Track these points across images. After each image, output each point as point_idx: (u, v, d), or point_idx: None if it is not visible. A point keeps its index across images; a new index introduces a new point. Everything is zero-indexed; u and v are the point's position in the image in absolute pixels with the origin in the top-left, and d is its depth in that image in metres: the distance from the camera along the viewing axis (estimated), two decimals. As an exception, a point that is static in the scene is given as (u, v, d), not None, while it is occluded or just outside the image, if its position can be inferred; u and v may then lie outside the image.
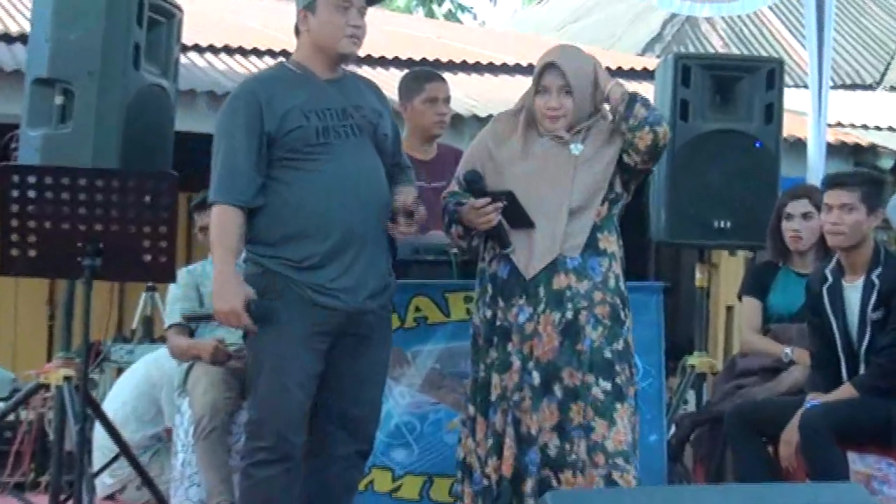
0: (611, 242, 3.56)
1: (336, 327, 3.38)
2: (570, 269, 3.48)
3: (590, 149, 3.55)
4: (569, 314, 3.46)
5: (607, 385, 3.45)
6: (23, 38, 6.96)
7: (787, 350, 4.40)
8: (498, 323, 3.52)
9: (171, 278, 3.98)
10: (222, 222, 3.32)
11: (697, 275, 5.28)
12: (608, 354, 3.46)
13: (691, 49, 13.06)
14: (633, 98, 3.53)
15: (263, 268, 3.36)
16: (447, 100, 4.60)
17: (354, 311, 3.39)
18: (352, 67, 3.64)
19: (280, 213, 3.35)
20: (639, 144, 3.48)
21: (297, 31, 3.50)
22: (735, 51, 12.93)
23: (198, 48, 8.77)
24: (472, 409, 3.59)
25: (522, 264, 3.49)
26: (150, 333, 6.87)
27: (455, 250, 4.09)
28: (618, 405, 3.44)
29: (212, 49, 8.87)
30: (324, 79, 3.46)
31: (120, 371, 6.74)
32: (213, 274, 3.34)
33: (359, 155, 3.41)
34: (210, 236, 3.36)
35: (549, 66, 3.58)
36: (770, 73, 5.01)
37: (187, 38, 7.92)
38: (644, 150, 3.49)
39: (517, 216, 3.47)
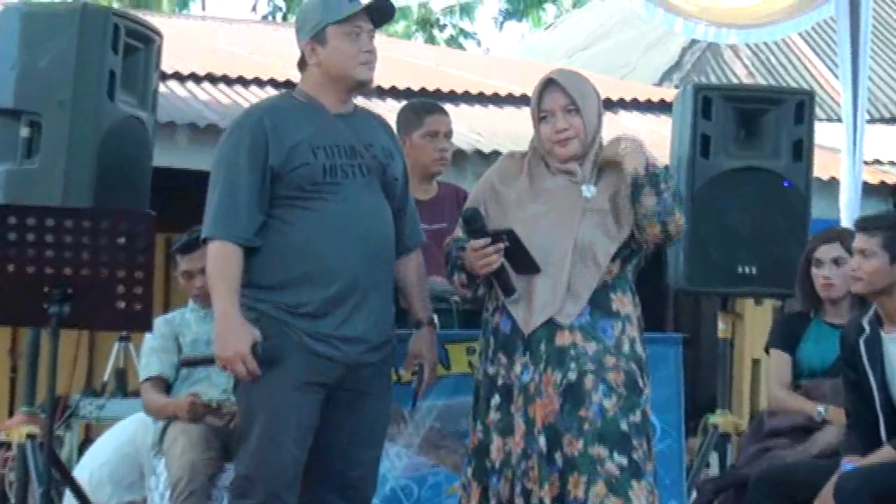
0: (625, 303, 3.52)
1: (333, 380, 3.38)
2: (575, 327, 3.45)
3: (602, 196, 3.51)
4: (571, 375, 3.42)
5: (623, 460, 3.39)
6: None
7: (820, 408, 4.37)
8: (500, 381, 3.50)
9: (148, 327, 3.97)
10: (223, 259, 3.32)
11: (720, 325, 5.26)
12: (624, 427, 3.41)
13: (713, 79, 13.11)
14: (640, 185, 3.44)
15: (258, 312, 3.36)
16: (449, 134, 4.61)
17: (353, 363, 3.39)
18: (359, 100, 3.67)
19: (280, 255, 3.36)
20: (647, 233, 3.47)
21: (302, 64, 3.52)
22: (761, 81, 12.99)
23: (178, 76, 8.81)
24: (469, 472, 3.56)
25: (521, 319, 3.47)
26: (124, 387, 6.84)
27: (456, 298, 4.08)
28: (634, 483, 3.38)
29: (194, 77, 8.91)
30: (333, 112, 3.47)
31: (89, 428, 6.71)
32: (216, 316, 3.33)
33: (366, 197, 3.43)
34: (208, 275, 3.36)
35: (547, 86, 3.55)
36: (799, 106, 5.02)
37: (167, 65, 7.95)
38: (652, 240, 3.49)
39: (521, 260, 3.45)
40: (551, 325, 3.44)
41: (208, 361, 3.71)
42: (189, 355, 4.31)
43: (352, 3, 3.47)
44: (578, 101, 3.53)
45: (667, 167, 3.59)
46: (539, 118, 3.57)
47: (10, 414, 4.93)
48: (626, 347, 3.48)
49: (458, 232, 3.64)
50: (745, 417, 7.19)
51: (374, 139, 3.53)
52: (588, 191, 3.52)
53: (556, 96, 3.54)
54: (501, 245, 3.42)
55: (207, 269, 3.36)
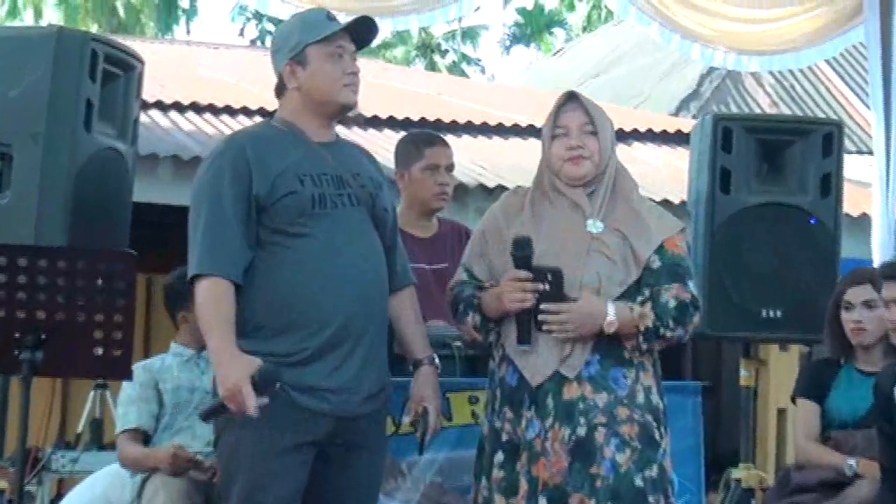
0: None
1: (323, 435, 3.36)
2: (583, 378, 3.43)
3: (613, 237, 3.49)
4: (581, 430, 3.39)
5: None
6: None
7: (852, 461, 4.36)
8: (505, 437, 3.47)
9: (127, 375, 3.95)
10: (215, 297, 3.30)
11: (743, 373, 5.25)
12: (639, 482, 3.38)
13: (733, 108, 13.16)
14: (649, 338, 3.46)
15: None
16: (450, 167, 4.63)
17: (346, 415, 3.37)
18: (339, 130, 3.68)
19: (264, 299, 3.34)
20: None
21: (281, 89, 3.53)
22: (786, 111, 13.04)
23: (161, 105, 8.85)
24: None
25: (528, 370, 3.45)
26: (99, 438, 6.81)
27: (458, 343, 4.07)
28: (651, 544, 3.38)
29: (177, 106, 8.95)
30: (316, 141, 3.48)
31: (62, 483, 6.67)
32: (212, 354, 3.30)
33: (358, 230, 3.43)
34: (200, 317, 3.32)
35: (566, 102, 3.56)
36: (827, 137, 5.03)
37: (148, 93, 7.99)
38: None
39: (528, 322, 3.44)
40: (559, 377, 3.42)
41: (220, 407, 3.55)
42: (207, 406, 4.15)
43: (332, 22, 3.49)
44: (597, 122, 3.54)
45: (684, 303, 3.51)
46: (552, 136, 3.58)
47: (-23, 468, 4.89)
48: (640, 397, 3.46)
49: (461, 275, 3.63)
50: (769, 471, 7.16)
51: (360, 168, 3.53)
52: (594, 226, 3.51)
53: (575, 114, 3.55)
54: (541, 286, 3.41)
55: (198, 311, 3.34)
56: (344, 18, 3.57)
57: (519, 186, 3.73)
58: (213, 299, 3.30)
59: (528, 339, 3.43)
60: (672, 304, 3.45)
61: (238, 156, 3.38)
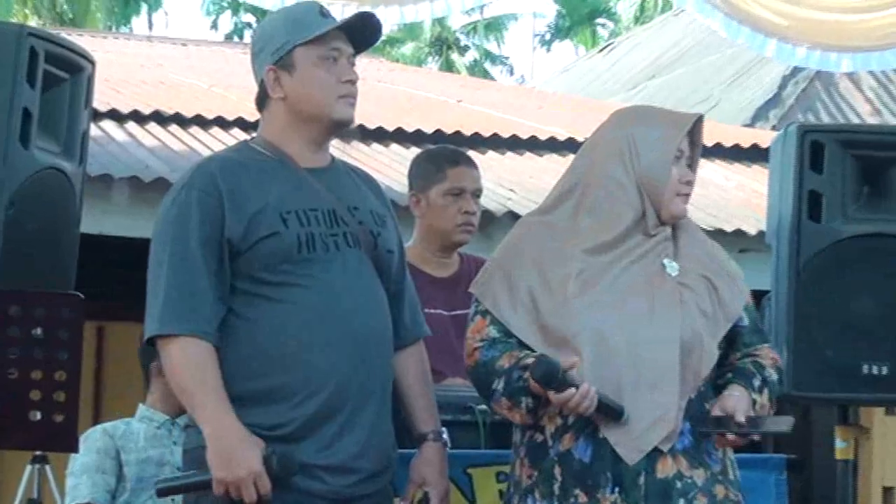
0: None
1: None
2: (678, 452, 3.44)
3: (698, 282, 3.52)
4: None
5: None
6: None
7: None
8: (580, 527, 3.47)
9: (71, 446, 3.94)
10: (196, 358, 3.33)
11: (839, 443, 5.22)
12: None
13: (824, 118, 13.16)
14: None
15: None
16: (477, 193, 4.63)
17: (343, 498, 3.38)
18: (335, 146, 3.68)
19: (243, 362, 3.35)
20: None
21: (262, 101, 3.54)
22: (891, 121, 13.02)
23: (116, 115, 8.90)
24: None
25: (622, 444, 3.42)
26: (38, 525, 6.81)
27: (483, 406, 4.06)
28: None
29: (136, 117, 9.00)
30: (305, 167, 3.48)
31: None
32: (206, 430, 3.31)
33: (354, 276, 3.43)
34: (179, 386, 3.35)
35: (699, 122, 3.60)
36: (943, 154, 5.01)
37: (101, 100, 8.01)
38: None
39: (607, 400, 3.43)
40: (651, 453, 3.43)
41: (206, 485, 3.53)
42: (168, 482, 4.06)
43: (326, 18, 3.49)
44: (695, 156, 3.62)
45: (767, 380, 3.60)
46: (673, 156, 3.57)
47: None
48: (731, 473, 3.52)
49: (490, 329, 3.58)
50: (872, 568, 7.14)
51: (359, 200, 3.53)
52: (671, 267, 3.53)
53: (698, 138, 3.61)
54: (587, 386, 3.37)
55: (175, 380, 3.36)
56: (342, 12, 3.58)
57: (547, 203, 3.69)
58: (194, 364, 3.33)
59: (622, 411, 3.41)
60: (775, 377, 3.58)
61: (208, 190, 3.39)
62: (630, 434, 3.42)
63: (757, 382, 3.53)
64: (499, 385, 3.50)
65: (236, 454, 3.27)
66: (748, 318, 3.59)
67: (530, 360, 3.45)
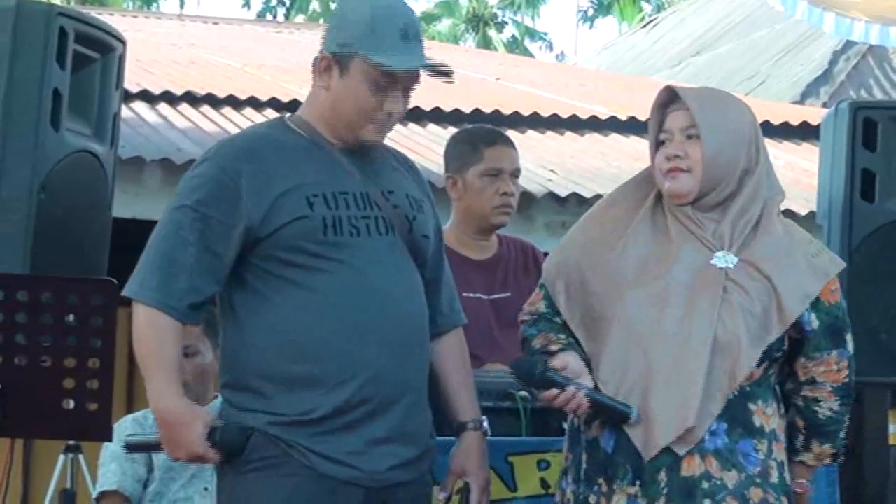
0: (769, 417, 3.47)
1: None
2: (709, 452, 3.42)
3: (753, 279, 3.46)
4: None
5: None
6: None
7: None
8: (600, 514, 3.47)
9: (105, 435, 3.97)
10: (156, 331, 3.34)
11: (891, 429, 5.22)
12: None
13: (877, 94, 13.08)
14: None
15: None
16: (516, 173, 4.62)
17: (379, 485, 3.37)
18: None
19: (269, 345, 3.35)
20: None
21: (315, 77, 3.47)
22: (946, 97, 12.95)
23: (147, 96, 8.92)
24: None
25: (640, 438, 3.42)
26: (70, 514, 6.85)
27: (524, 392, 4.06)
28: None
29: (167, 97, 9.01)
30: (339, 147, 3.49)
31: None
32: (153, 407, 3.34)
33: (387, 263, 3.41)
34: (136, 348, 3.36)
35: (670, 101, 3.55)
36: None
37: (132, 81, 8.02)
38: None
39: (605, 403, 3.44)
40: (677, 447, 3.41)
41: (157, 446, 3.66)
42: (135, 439, 4.20)
43: (406, 43, 3.39)
44: (702, 123, 3.52)
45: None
46: (657, 144, 3.56)
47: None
48: (774, 476, 3.46)
49: (540, 303, 3.60)
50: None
51: (394, 184, 3.51)
52: (725, 260, 3.47)
53: (678, 114, 3.54)
54: (573, 389, 3.39)
55: (137, 345, 3.36)
56: None
57: (621, 187, 3.69)
58: (156, 336, 3.34)
59: (628, 412, 3.41)
60: (830, 411, 3.57)
61: (227, 170, 3.37)
62: (646, 430, 3.41)
63: (798, 444, 3.56)
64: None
65: (176, 436, 3.32)
66: (820, 319, 3.50)
67: (555, 348, 3.48)
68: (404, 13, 3.45)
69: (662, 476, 3.41)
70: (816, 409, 3.51)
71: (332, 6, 34.01)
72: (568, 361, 3.43)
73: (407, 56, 3.38)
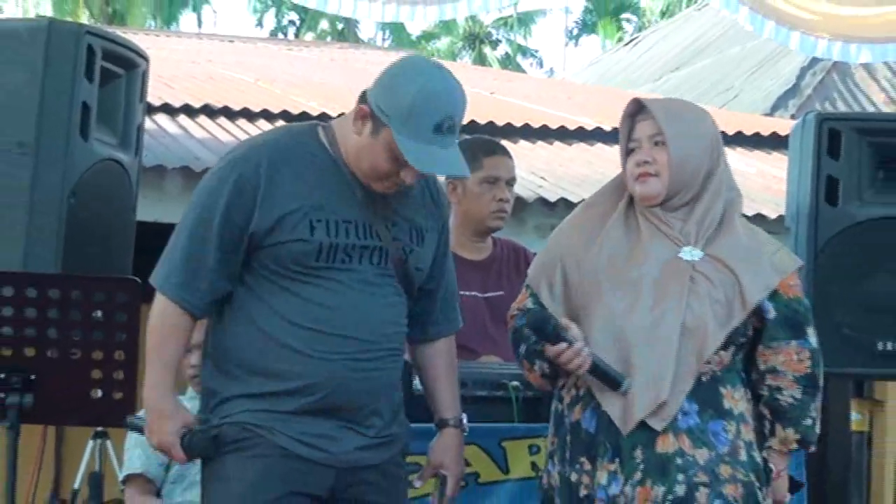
0: (737, 400, 3.49)
1: (324, 490, 3.33)
2: (682, 430, 3.43)
3: (717, 269, 3.48)
4: (679, 489, 3.39)
5: None
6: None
7: None
8: (584, 492, 3.46)
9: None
10: (166, 325, 3.34)
11: (854, 416, 5.21)
12: None
13: (841, 107, 13.07)
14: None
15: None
16: (511, 181, 4.62)
17: (348, 466, 3.34)
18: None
19: (248, 338, 3.35)
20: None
21: (353, 115, 3.37)
22: (904, 110, 12.94)
23: (168, 109, 8.91)
24: None
25: (618, 415, 3.44)
26: (99, 496, 6.79)
27: (516, 383, 4.06)
28: None
29: (187, 110, 9.00)
30: (354, 171, 3.37)
31: (55, 549, 6.71)
32: (145, 395, 3.34)
33: (372, 282, 3.38)
34: (148, 334, 3.35)
35: (638, 112, 3.56)
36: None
37: (154, 95, 8.02)
38: None
39: (604, 367, 3.45)
40: (651, 428, 3.42)
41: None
42: (135, 420, 4.18)
43: (437, 135, 3.29)
44: (667, 131, 3.53)
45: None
46: (627, 152, 3.59)
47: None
48: (742, 454, 3.46)
49: (527, 300, 3.62)
50: (886, 535, 7.11)
51: (401, 214, 3.44)
52: (691, 254, 3.50)
53: (644, 123, 3.55)
54: (581, 345, 3.41)
55: (148, 331, 3.35)
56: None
57: (593, 198, 3.71)
58: (167, 328, 3.34)
59: (622, 379, 3.42)
60: (791, 398, 3.52)
61: (248, 176, 3.33)
62: (624, 407, 3.43)
63: (766, 430, 3.54)
64: (521, 349, 3.57)
65: (154, 425, 3.33)
66: (778, 310, 3.52)
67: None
68: (447, 106, 3.34)
69: (639, 453, 3.42)
70: (779, 396, 3.50)
71: (340, 26, 34.00)
72: (572, 325, 3.45)
73: (434, 148, 3.30)
